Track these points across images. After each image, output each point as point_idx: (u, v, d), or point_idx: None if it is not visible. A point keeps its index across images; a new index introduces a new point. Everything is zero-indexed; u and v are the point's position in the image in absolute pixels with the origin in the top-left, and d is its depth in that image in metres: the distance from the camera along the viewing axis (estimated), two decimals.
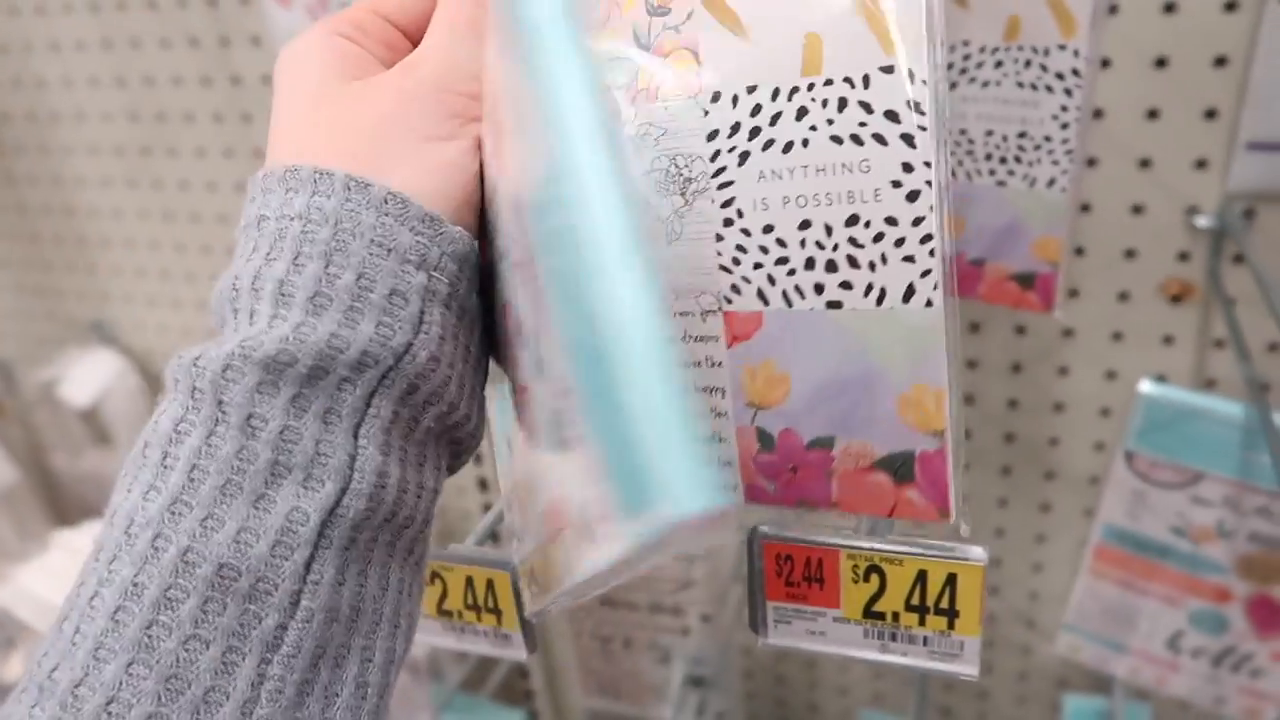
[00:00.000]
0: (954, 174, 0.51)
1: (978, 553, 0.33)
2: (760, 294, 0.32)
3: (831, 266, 0.31)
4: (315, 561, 0.25)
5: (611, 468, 0.19)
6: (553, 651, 1.01)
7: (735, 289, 0.32)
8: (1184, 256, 0.68)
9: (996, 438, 0.79)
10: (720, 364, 0.33)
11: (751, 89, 0.31)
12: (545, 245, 0.23)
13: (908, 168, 0.28)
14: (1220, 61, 0.62)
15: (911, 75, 0.28)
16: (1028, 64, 0.47)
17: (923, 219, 0.29)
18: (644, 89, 0.33)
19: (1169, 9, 0.61)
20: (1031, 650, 0.87)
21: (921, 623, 0.34)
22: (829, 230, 0.30)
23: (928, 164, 0.28)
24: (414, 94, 0.29)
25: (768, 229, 0.31)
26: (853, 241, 0.30)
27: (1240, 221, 0.65)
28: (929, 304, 0.29)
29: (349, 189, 0.27)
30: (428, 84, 0.29)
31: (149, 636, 0.23)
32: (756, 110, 0.31)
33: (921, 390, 0.31)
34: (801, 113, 0.30)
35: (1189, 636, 0.63)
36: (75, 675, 0.23)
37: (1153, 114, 0.64)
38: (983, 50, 0.49)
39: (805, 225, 0.31)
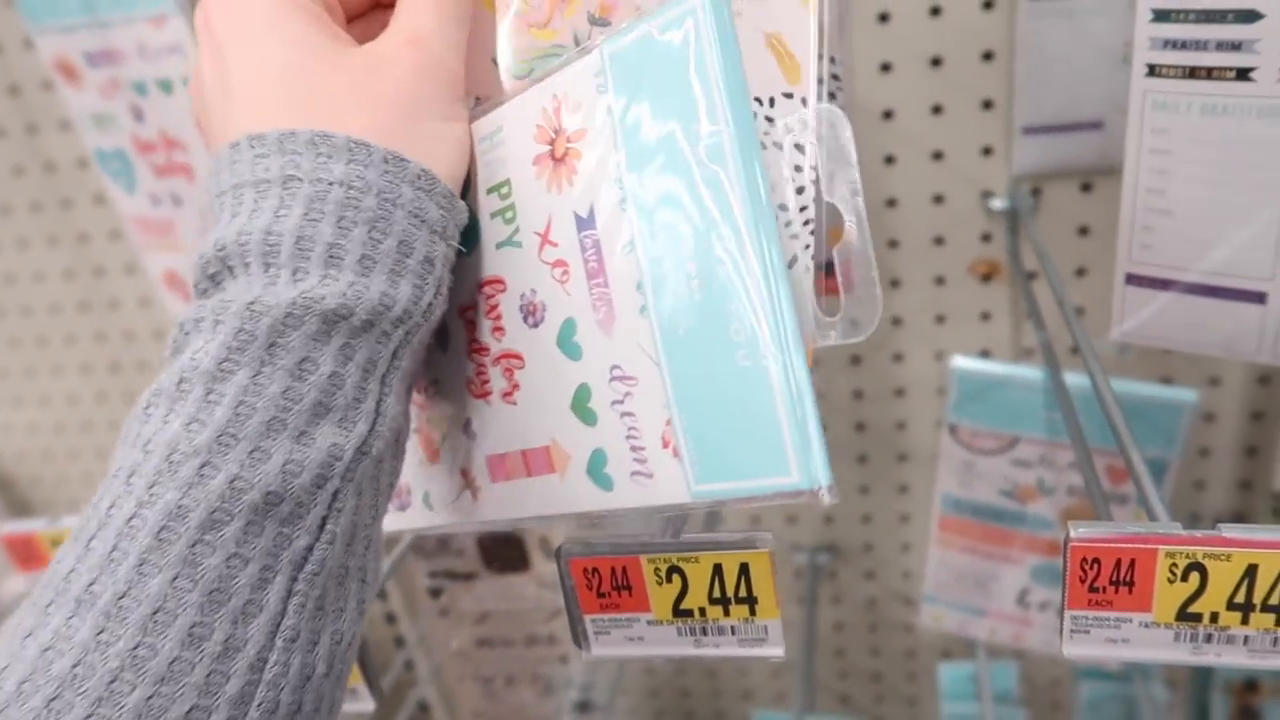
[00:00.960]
0: None
1: (765, 538, 0.35)
2: None
3: None
4: (341, 491, 0.28)
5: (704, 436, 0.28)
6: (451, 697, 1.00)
7: None
8: (986, 238, 0.73)
9: (848, 428, 0.82)
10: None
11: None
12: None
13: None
14: (988, 56, 0.67)
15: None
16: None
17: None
18: None
19: (935, 12, 0.66)
20: (913, 627, 0.91)
21: (726, 613, 0.36)
22: None
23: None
24: (431, 72, 0.32)
25: None
26: None
27: (1029, 200, 0.70)
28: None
29: (387, 162, 0.30)
30: (439, 62, 0.32)
31: (194, 554, 0.26)
32: None
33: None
34: None
35: (1034, 592, 0.67)
36: (119, 588, 0.25)
37: (937, 109, 0.69)
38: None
39: None
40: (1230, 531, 0.31)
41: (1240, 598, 0.32)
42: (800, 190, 0.32)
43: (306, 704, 0.28)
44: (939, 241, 0.73)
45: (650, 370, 0.29)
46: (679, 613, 0.36)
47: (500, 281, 0.33)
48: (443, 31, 0.32)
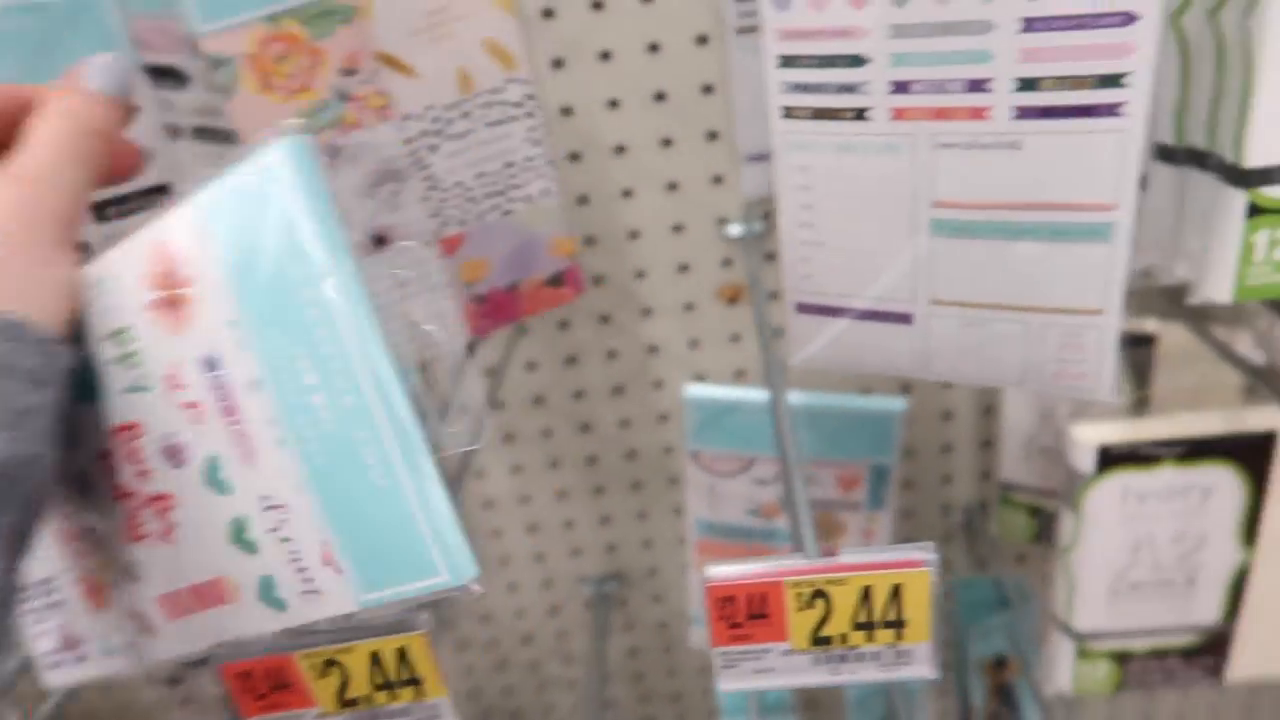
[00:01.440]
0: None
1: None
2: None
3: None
4: None
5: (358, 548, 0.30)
6: None
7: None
8: (728, 263, 0.75)
9: (619, 458, 0.83)
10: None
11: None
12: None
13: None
14: (708, 89, 0.69)
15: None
16: (488, 105, 0.51)
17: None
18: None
19: (653, 49, 0.68)
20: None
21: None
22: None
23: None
24: (32, 217, 0.30)
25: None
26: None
27: (760, 225, 0.72)
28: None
29: None
30: (41, 203, 0.30)
31: None
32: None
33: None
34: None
35: None
36: None
37: (666, 142, 0.71)
38: (448, 108, 0.52)
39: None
40: (846, 558, 0.33)
41: (863, 617, 0.34)
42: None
43: None
44: (684, 269, 0.75)
45: (299, 498, 0.30)
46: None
47: (135, 426, 0.33)
48: (56, 170, 0.31)
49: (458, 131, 0.54)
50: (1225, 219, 0.39)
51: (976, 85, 0.36)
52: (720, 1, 0.59)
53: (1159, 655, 0.64)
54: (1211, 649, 0.63)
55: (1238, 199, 0.38)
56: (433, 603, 0.89)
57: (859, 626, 0.34)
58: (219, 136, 0.48)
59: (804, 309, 0.45)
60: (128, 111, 0.34)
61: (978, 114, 0.36)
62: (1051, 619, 0.64)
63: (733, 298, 0.77)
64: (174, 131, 0.56)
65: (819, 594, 0.33)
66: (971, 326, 0.41)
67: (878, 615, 0.33)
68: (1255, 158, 0.37)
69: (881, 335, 0.43)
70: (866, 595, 0.33)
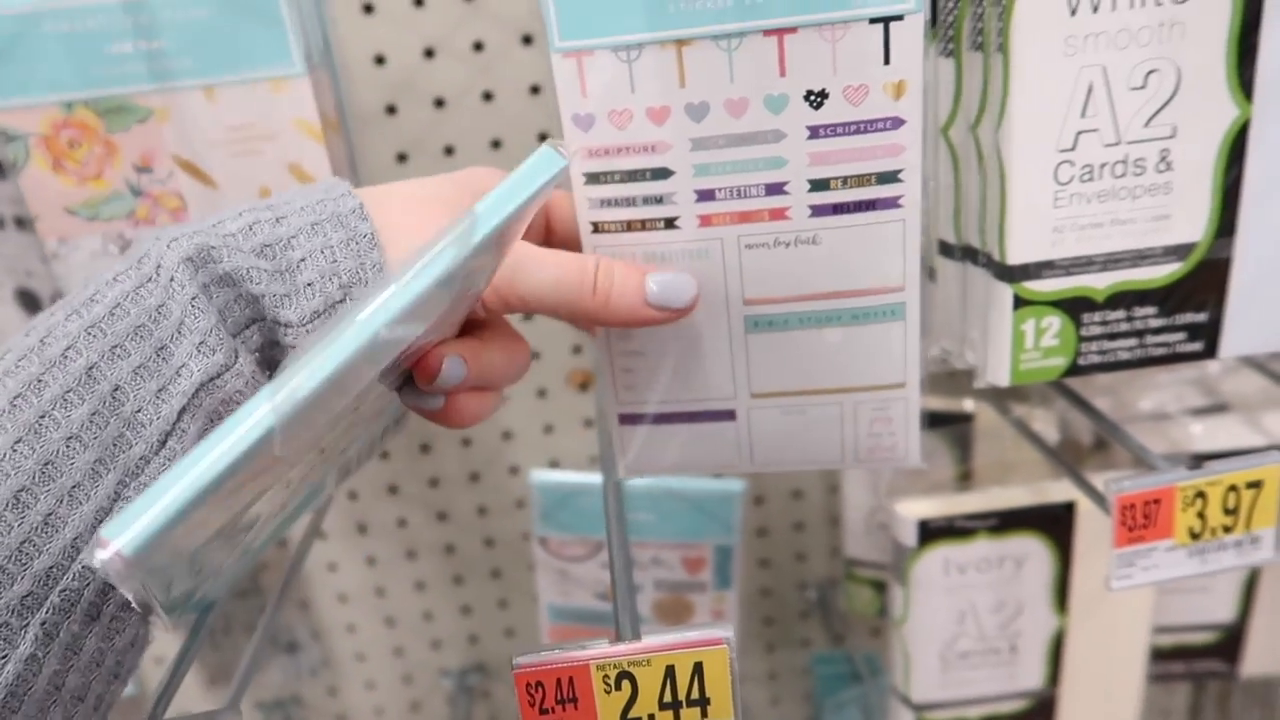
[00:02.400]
0: None
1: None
2: None
3: None
4: (186, 414, 0.30)
5: None
6: None
7: None
8: (577, 349, 0.77)
9: (477, 546, 0.83)
10: None
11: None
12: None
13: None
14: None
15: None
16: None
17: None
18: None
19: (534, 91, 0.70)
20: None
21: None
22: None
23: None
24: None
25: None
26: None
27: None
28: None
29: None
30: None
31: (40, 424, 0.28)
32: None
33: None
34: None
35: None
36: None
37: None
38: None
39: None
40: (649, 639, 0.34)
41: (668, 697, 0.35)
42: None
43: (106, 612, 0.29)
44: (536, 356, 0.77)
45: None
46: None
47: None
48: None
49: None
50: (997, 310, 0.43)
51: (774, 189, 0.39)
52: None
53: None
54: (1038, 714, 0.66)
55: (1005, 292, 0.42)
56: (275, 703, 0.85)
57: (665, 706, 0.35)
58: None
59: (628, 420, 0.45)
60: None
61: (778, 215, 0.39)
62: (892, 692, 0.67)
63: (583, 383, 0.78)
64: None
65: (625, 675, 0.34)
66: (791, 414, 0.43)
67: (682, 694, 0.34)
68: (1015, 255, 0.42)
69: (707, 434, 0.45)
70: (670, 675, 0.34)
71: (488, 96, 0.68)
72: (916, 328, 0.41)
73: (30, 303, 0.61)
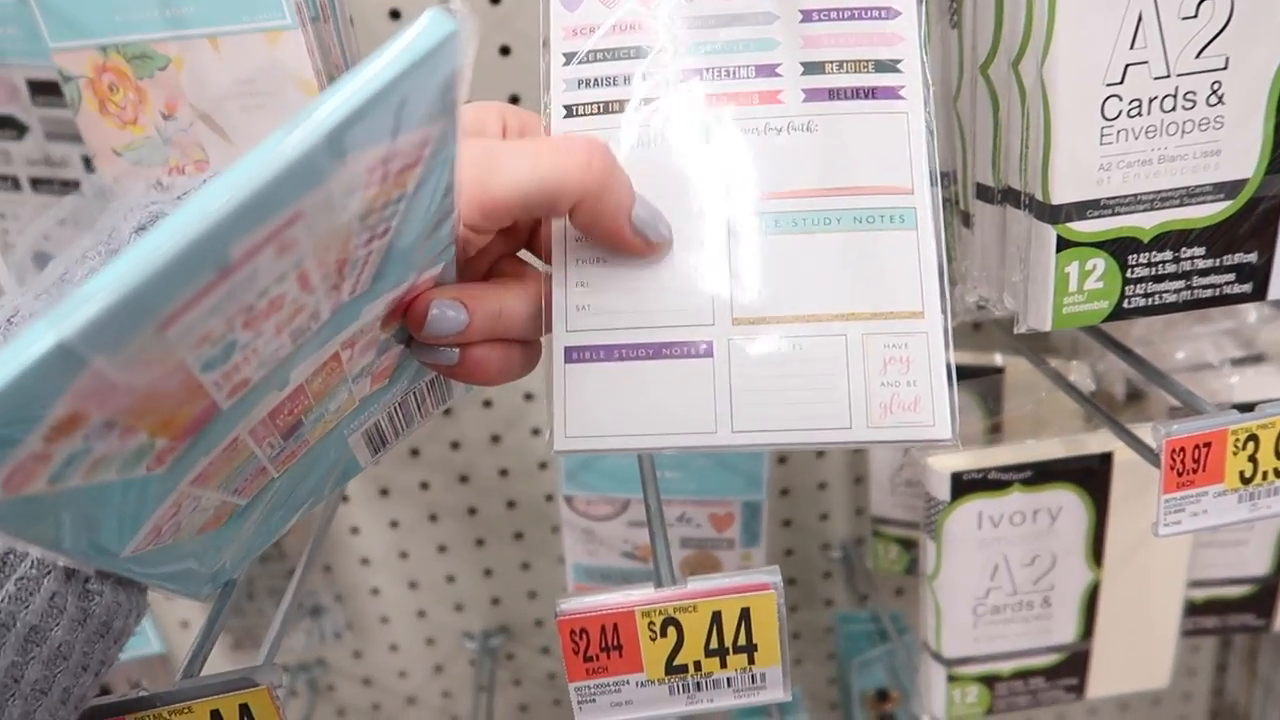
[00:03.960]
0: None
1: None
2: None
3: None
4: None
5: None
6: None
7: None
8: None
9: (499, 509, 0.83)
10: None
11: None
12: None
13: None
14: None
15: None
16: None
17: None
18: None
19: (504, 51, 0.69)
20: None
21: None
22: None
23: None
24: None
25: None
26: None
27: None
28: None
29: None
30: None
31: None
32: None
33: None
34: None
35: None
36: None
37: None
38: None
39: None
40: (694, 584, 0.34)
41: (714, 644, 0.34)
42: None
43: (70, 603, 0.28)
44: None
45: None
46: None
47: None
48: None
49: None
50: (1039, 253, 0.42)
51: (765, 70, 0.37)
52: None
53: (1024, 676, 0.66)
54: (1072, 668, 0.66)
55: (1048, 234, 0.41)
56: (300, 666, 0.85)
57: (711, 653, 0.34)
58: (56, 186, 0.47)
59: (577, 356, 0.35)
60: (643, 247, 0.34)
61: (769, 98, 0.36)
62: (923, 647, 0.66)
63: None
64: (11, 182, 0.54)
65: (671, 622, 0.34)
66: (783, 350, 0.35)
67: (729, 640, 0.34)
68: (1060, 194, 0.40)
69: (675, 381, 0.35)
70: (717, 621, 0.34)
71: (505, 51, 0.67)
72: (931, 243, 0.35)
73: (46, 265, 0.60)
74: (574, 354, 0.35)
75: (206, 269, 0.19)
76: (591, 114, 0.37)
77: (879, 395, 0.34)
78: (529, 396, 0.78)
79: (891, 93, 0.36)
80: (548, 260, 0.35)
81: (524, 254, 0.38)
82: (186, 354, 0.22)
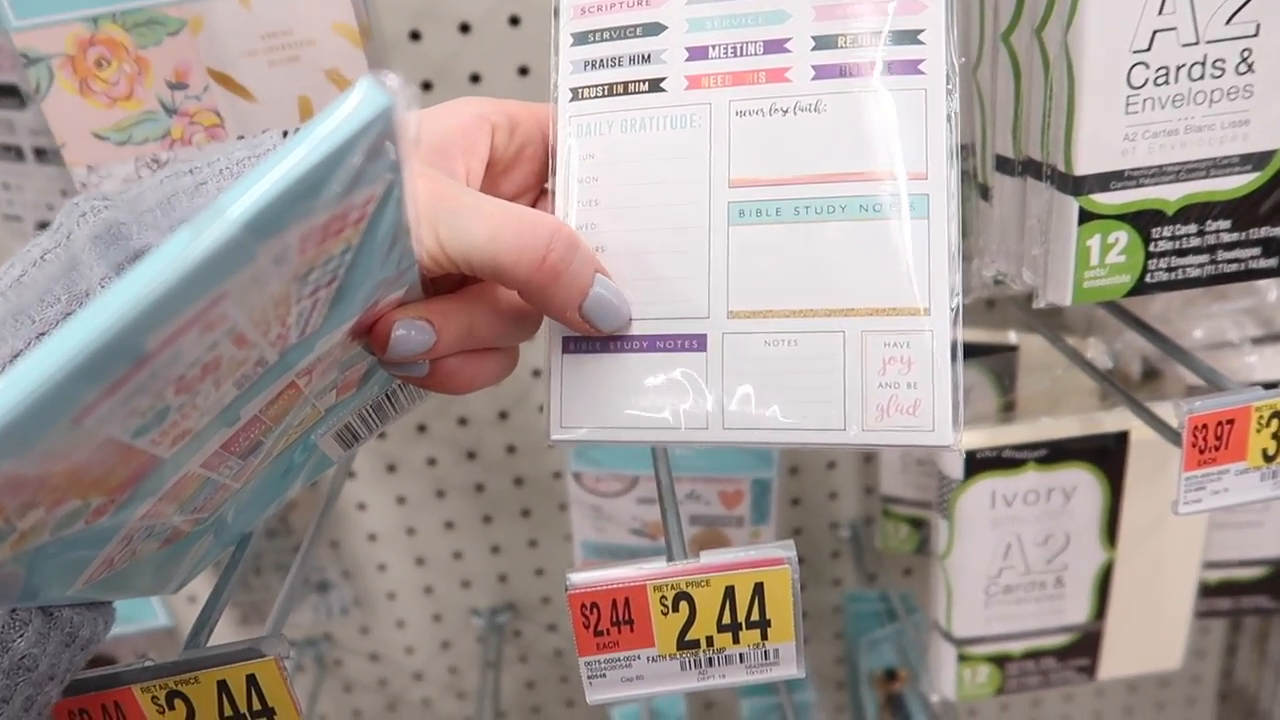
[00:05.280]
0: None
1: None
2: None
3: None
4: None
5: None
6: None
7: None
8: None
9: (506, 485, 0.82)
10: None
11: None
12: None
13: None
14: None
15: None
16: None
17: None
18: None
19: (514, 20, 0.68)
20: None
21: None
22: None
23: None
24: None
25: None
26: None
27: None
28: None
29: None
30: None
31: None
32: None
33: None
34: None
35: None
36: None
37: None
38: (286, 135, 0.51)
39: None
40: (707, 558, 0.33)
41: (727, 619, 0.34)
42: None
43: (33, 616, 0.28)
44: None
45: None
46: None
47: None
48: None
49: None
50: (1060, 225, 0.41)
51: (774, 46, 0.35)
52: None
53: (1035, 656, 0.65)
54: (1083, 648, 0.65)
55: (1070, 206, 0.40)
56: (307, 641, 0.85)
57: (724, 628, 0.34)
58: (60, 157, 0.46)
59: (574, 346, 0.35)
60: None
61: (776, 76, 0.35)
62: (934, 626, 0.66)
63: None
64: (15, 152, 0.54)
65: (683, 596, 0.33)
66: (778, 347, 0.34)
67: (742, 616, 0.33)
68: (1083, 165, 0.40)
69: (667, 373, 0.35)
70: (730, 596, 0.33)
71: (514, 21, 0.66)
72: (944, 234, 0.32)
73: None
74: (570, 344, 0.35)
75: (120, 364, 0.18)
76: (596, 97, 0.36)
77: (876, 397, 0.33)
78: (537, 373, 0.78)
79: (910, 67, 0.33)
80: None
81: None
82: (112, 431, 0.21)
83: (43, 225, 0.58)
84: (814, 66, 0.34)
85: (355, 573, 0.85)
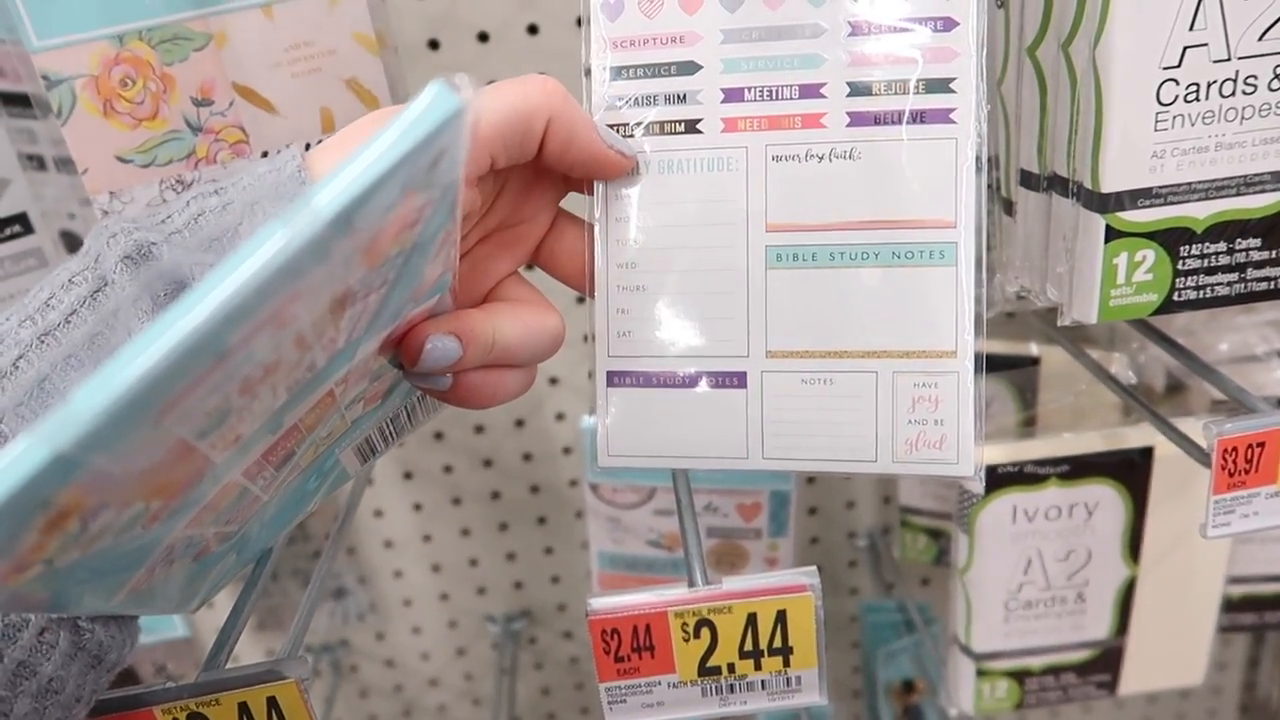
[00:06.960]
0: None
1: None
2: None
3: None
4: None
5: None
6: None
7: None
8: None
9: (523, 493, 0.82)
10: None
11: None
12: None
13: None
14: None
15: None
16: None
17: None
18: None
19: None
20: None
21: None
22: None
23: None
24: None
25: None
26: None
27: None
28: None
29: None
30: None
31: None
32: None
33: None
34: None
35: None
36: None
37: None
38: (308, 148, 0.51)
39: None
40: (730, 585, 0.33)
41: (749, 646, 0.33)
42: None
43: (63, 638, 0.28)
44: (580, 300, 0.75)
45: None
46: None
47: None
48: None
49: None
50: (1087, 243, 0.40)
51: (809, 90, 0.35)
52: None
53: (1055, 672, 0.65)
54: (1104, 664, 0.64)
55: (1097, 224, 0.40)
56: (323, 647, 0.85)
57: (746, 655, 0.33)
58: None
59: (618, 379, 0.37)
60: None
61: (811, 121, 0.35)
62: (952, 640, 0.65)
63: None
64: (36, 161, 0.54)
65: (704, 623, 0.33)
66: (815, 385, 0.36)
67: (764, 643, 0.33)
68: (1110, 182, 0.39)
69: (708, 408, 0.37)
70: (752, 623, 0.33)
71: (533, 30, 0.66)
72: (970, 280, 0.34)
73: (74, 245, 0.60)
74: (614, 378, 0.37)
75: (203, 361, 0.19)
76: (631, 136, 0.36)
77: (905, 433, 0.35)
78: (554, 381, 0.77)
79: (942, 116, 0.34)
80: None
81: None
82: (183, 430, 0.21)
83: (65, 234, 0.58)
84: (849, 114, 0.35)
85: (371, 579, 0.85)
